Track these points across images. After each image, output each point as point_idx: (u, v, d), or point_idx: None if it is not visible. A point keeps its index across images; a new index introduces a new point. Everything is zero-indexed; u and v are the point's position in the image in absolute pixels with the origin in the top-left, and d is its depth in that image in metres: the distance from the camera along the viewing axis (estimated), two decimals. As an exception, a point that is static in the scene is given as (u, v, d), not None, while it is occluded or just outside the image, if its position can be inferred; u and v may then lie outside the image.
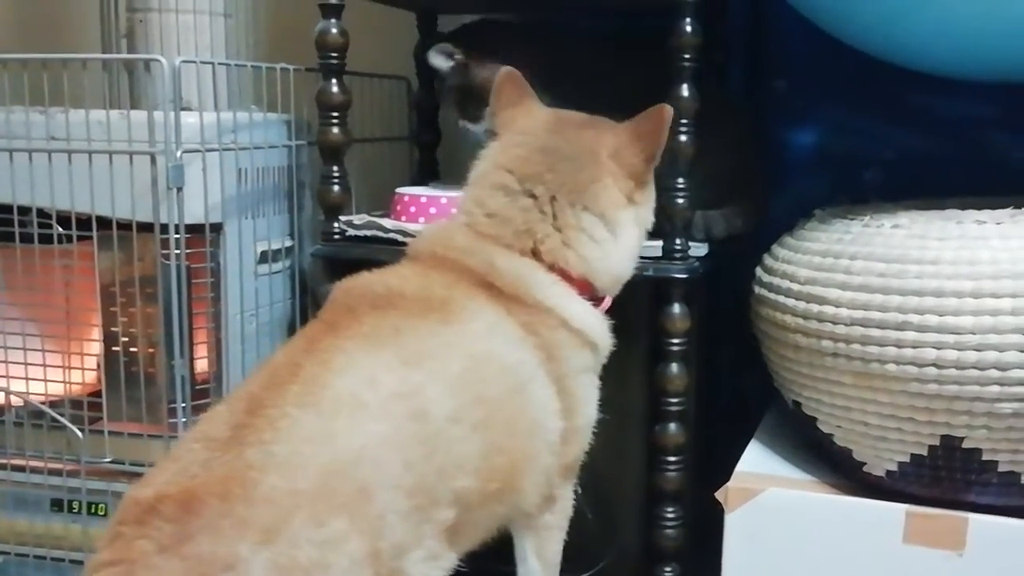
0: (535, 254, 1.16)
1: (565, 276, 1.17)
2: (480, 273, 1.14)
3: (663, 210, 1.36)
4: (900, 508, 1.18)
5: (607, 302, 1.23)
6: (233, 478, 0.86)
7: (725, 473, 1.29)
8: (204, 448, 0.90)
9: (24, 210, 1.48)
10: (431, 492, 0.98)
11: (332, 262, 1.52)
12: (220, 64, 1.56)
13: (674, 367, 1.38)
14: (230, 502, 0.84)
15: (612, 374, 1.33)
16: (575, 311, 1.17)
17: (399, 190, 1.56)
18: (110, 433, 1.49)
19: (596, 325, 1.20)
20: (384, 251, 1.38)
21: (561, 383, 1.15)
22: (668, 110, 1.19)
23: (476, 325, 1.09)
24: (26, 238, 1.49)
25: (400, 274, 1.14)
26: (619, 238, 1.20)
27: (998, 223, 1.17)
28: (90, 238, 1.46)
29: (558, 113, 1.25)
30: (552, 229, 1.17)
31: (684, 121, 1.34)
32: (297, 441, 0.90)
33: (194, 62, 1.48)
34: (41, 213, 1.48)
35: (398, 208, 1.53)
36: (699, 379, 1.44)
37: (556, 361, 1.15)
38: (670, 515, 1.41)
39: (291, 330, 1.67)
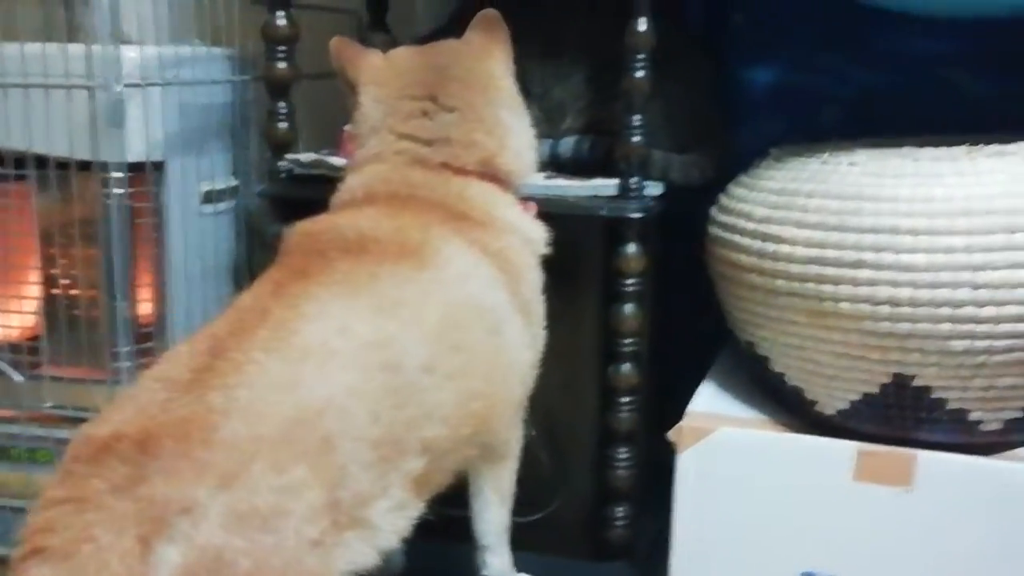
0: (484, 165, 1.18)
1: (501, 182, 1.20)
2: (450, 206, 1.14)
3: (618, 148, 1.35)
4: (851, 446, 1.19)
5: (533, 207, 1.26)
6: (193, 420, 0.84)
7: (679, 414, 1.29)
8: (164, 388, 0.88)
9: (-42, 147, 1.43)
10: (399, 443, 0.96)
11: (279, 202, 1.49)
12: (160, -5, 1.51)
13: (628, 307, 1.37)
14: (189, 444, 0.82)
15: (566, 314, 1.33)
16: (525, 222, 1.21)
17: (348, 127, 1.52)
18: (51, 378, 1.46)
19: (541, 232, 1.23)
20: (332, 190, 1.35)
21: (526, 310, 1.16)
22: (490, 10, 1.25)
23: (452, 270, 1.08)
24: (-38, 177, 1.44)
25: (369, 217, 1.12)
26: (526, 121, 1.26)
27: (954, 160, 1.17)
28: (27, 177, 1.41)
29: (411, 47, 1.27)
30: (485, 134, 1.19)
31: (640, 56, 1.31)
32: (262, 387, 0.88)
33: (134, -7, 1.43)
34: (-25, 150, 1.43)
35: (349, 147, 1.50)
36: (653, 320, 1.43)
37: (522, 287, 1.16)
38: (623, 456, 1.41)
39: (236, 272, 1.64)
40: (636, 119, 1.34)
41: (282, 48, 1.45)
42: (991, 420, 1.17)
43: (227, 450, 0.83)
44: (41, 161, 1.40)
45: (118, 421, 0.85)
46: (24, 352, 1.47)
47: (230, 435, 0.84)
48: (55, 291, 1.49)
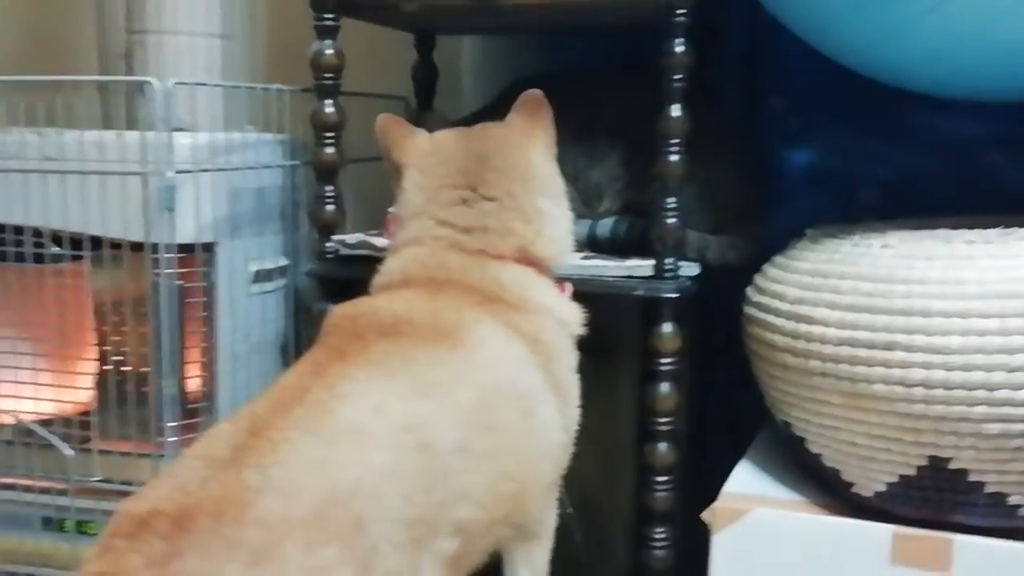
0: (521, 252, 1.20)
1: (537, 266, 1.21)
2: (485, 289, 1.16)
3: (654, 230, 1.37)
4: (887, 529, 1.18)
5: (569, 288, 1.26)
6: (228, 498, 0.85)
7: (718, 493, 1.28)
8: (203, 465, 0.90)
9: (18, 229, 1.49)
10: (431, 524, 0.97)
11: (326, 281, 1.52)
12: (214, 86, 1.57)
13: (664, 387, 1.37)
14: (222, 522, 0.84)
15: (602, 393, 1.34)
16: (560, 304, 1.22)
17: (392, 210, 1.56)
18: (100, 452, 1.50)
19: (576, 313, 1.24)
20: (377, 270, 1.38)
21: (560, 390, 1.17)
22: (534, 91, 1.28)
23: (486, 351, 1.09)
24: (20, 257, 1.50)
25: (405, 299, 1.14)
26: (564, 205, 1.28)
27: (986, 243, 1.17)
28: (83, 257, 1.47)
29: (456, 130, 1.30)
30: (522, 222, 1.21)
31: (674, 141, 1.34)
32: (296, 466, 0.90)
33: (188, 84, 1.48)
34: (35, 232, 1.49)
35: (392, 227, 1.54)
36: (690, 398, 1.43)
37: (556, 368, 1.17)
38: (660, 535, 1.40)
39: (285, 350, 1.67)
40: (671, 202, 1.36)
41: (329, 134, 1.50)
42: (1032, 505, 1.16)
43: (259, 529, 0.84)
44: (96, 242, 1.46)
45: (156, 497, 0.87)
46: (75, 426, 1.51)
47: (262, 513, 0.85)
48: (107, 367, 1.53)
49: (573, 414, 1.21)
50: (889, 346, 1.14)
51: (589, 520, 1.41)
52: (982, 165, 1.64)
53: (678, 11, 1.33)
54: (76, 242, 1.46)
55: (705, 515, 1.25)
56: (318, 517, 0.87)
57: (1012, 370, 1.09)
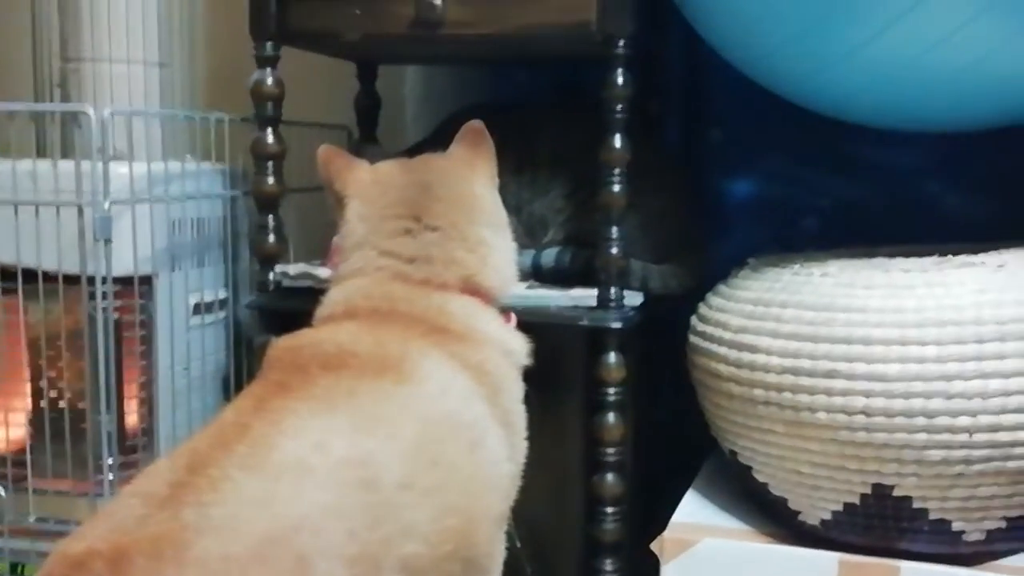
0: (465, 283, 1.19)
1: (482, 296, 1.20)
2: (430, 320, 1.15)
3: (598, 259, 1.37)
4: (833, 557, 1.18)
5: (514, 318, 1.25)
6: (166, 538, 0.83)
7: (667, 522, 1.28)
8: (141, 504, 0.87)
9: (-52, 263, 1.45)
10: (376, 560, 0.95)
11: (268, 313, 1.50)
12: (151, 114, 1.55)
13: (610, 416, 1.37)
14: (161, 563, 0.81)
15: (549, 424, 1.32)
16: (506, 334, 1.21)
17: (336, 239, 1.54)
18: (35, 491, 1.46)
19: (522, 343, 1.23)
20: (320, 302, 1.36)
21: (507, 421, 1.15)
22: (475, 122, 1.27)
23: (431, 384, 1.08)
24: (-50, 291, 1.46)
25: (349, 331, 1.13)
26: (508, 236, 1.27)
27: (923, 271, 1.19)
28: (16, 290, 1.43)
29: (399, 161, 1.29)
30: (467, 252, 1.20)
31: (616, 172, 1.35)
32: (237, 504, 0.88)
33: (124, 113, 1.46)
34: (-34, 265, 1.45)
35: (334, 258, 1.52)
36: (637, 428, 1.43)
37: (502, 399, 1.15)
38: (609, 567, 1.40)
39: (226, 383, 1.65)
40: (614, 231, 1.36)
41: (270, 164, 1.48)
42: (973, 530, 1.17)
43: (198, 569, 0.82)
44: (30, 274, 1.42)
45: (93, 537, 0.85)
46: (9, 465, 1.47)
47: (202, 553, 0.83)
48: (42, 403, 1.49)
49: (521, 445, 1.20)
50: (830, 374, 1.16)
51: (538, 553, 1.40)
52: (918, 194, 1.67)
53: (618, 42, 1.34)
54: (9, 274, 1.43)
55: (654, 546, 1.25)
56: (259, 556, 0.85)
57: (950, 397, 1.11)
